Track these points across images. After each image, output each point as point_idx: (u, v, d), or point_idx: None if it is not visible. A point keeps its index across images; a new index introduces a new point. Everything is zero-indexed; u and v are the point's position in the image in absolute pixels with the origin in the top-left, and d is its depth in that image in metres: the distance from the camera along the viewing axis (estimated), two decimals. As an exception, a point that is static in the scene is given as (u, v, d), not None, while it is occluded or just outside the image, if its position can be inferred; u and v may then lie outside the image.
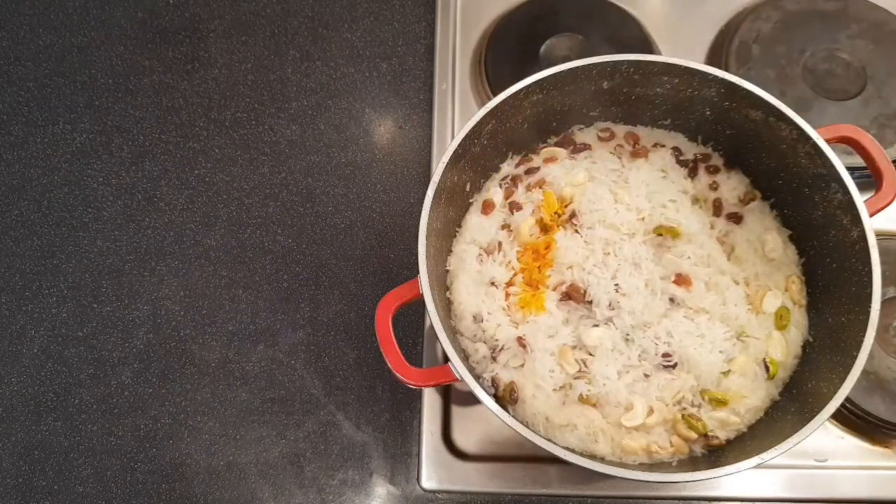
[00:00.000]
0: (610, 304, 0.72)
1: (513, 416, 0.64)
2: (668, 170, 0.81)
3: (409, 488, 0.84)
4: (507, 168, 0.84)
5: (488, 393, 0.69)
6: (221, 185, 1.01)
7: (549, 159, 0.82)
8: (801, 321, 0.74)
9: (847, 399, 0.62)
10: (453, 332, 0.75)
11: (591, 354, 0.71)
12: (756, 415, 0.71)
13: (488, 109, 0.73)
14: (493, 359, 0.73)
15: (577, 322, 0.73)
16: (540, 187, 0.80)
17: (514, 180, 0.82)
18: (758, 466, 0.60)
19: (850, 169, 0.69)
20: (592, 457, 0.68)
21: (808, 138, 0.71)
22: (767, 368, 0.71)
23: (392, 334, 0.69)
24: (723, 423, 0.70)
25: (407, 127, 1.05)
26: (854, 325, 0.65)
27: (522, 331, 0.73)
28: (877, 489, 0.80)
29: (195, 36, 1.11)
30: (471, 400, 0.86)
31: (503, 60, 1.03)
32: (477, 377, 0.68)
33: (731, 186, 0.81)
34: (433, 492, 0.83)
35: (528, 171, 0.82)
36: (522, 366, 0.72)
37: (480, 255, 0.78)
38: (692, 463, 0.69)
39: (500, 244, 0.78)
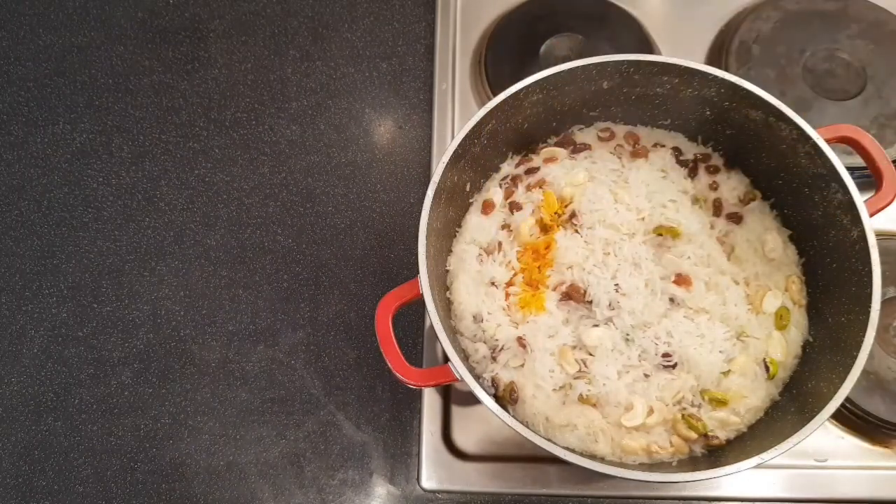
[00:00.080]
0: (610, 304, 0.72)
1: (513, 416, 0.64)
2: (668, 170, 0.81)
3: (409, 488, 0.84)
4: (507, 168, 0.84)
5: (488, 393, 0.69)
6: (221, 185, 1.01)
7: (549, 159, 0.82)
8: (801, 321, 0.74)
9: (847, 399, 0.62)
10: (453, 332, 0.75)
11: (591, 354, 0.71)
12: (756, 415, 0.71)
13: (488, 109, 0.73)
14: (493, 359, 0.73)
15: (577, 322, 0.73)
16: (540, 187, 0.80)
17: (514, 180, 0.82)
18: (758, 466, 0.60)
19: (850, 169, 0.69)
20: (592, 457, 0.68)
21: (808, 138, 0.71)
22: (767, 368, 0.71)
23: (392, 334, 0.69)
24: (723, 423, 0.70)
25: (407, 127, 1.05)
26: (854, 325, 0.65)
27: (522, 331, 0.73)
28: (877, 489, 0.80)
29: (195, 36, 1.11)
30: (471, 400, 0.86)
31: (503, 60, 1.03)
32: (477, 377, 0.68)
33: (731, 186, 0.81)
34: (433, 492, 0.83)
35: (528, 171, 0.82)
36: (522, 366, 0.72)
37: (480, 255, 0.78)
38: (692, 463, 0.69)
39: (500, 244, 0.78)
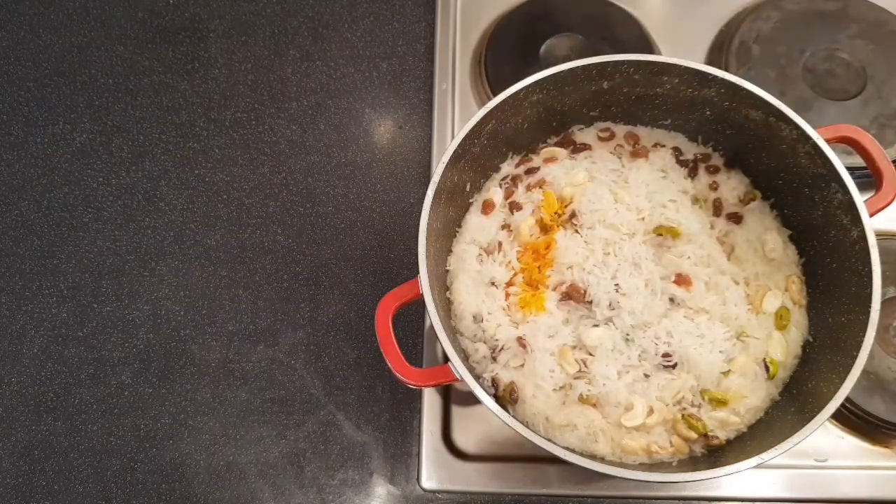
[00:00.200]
0: (610, 304, 0.72)
1: (513, 416, 0.64)
2: (668, 170, 0.81)
3: (409, 488, 0.84)
4: (507, 168, 0.84)
5: (488, 393, 0.69)
6: (221, 185, 1.01)
7: (549, 159, 0.82)
8: (801, 321, 0.74)
9: (847, 399, 0.62)
10: (453, 332, 0.75)
11: (591, 354, 0.71)
12: (756, 415, 0.71)
13: (488, 109, 0.73)
14: (493, 359, 0.73)
15: (577, 322, 0.73)
16: (540, 187, 0.80)
17: (514, 180, 0.82)
18: (758, 466, 0.60)
19: (850, 169, 0.69)
20: (592, 457, 0.68)
21: (808, 138, 0.71)
22: (767, 368, 0.71)
23: (392, 334, 0.69)
24: (723, 423, 0.70)
25: (407, 127, 1.05)
26: (854, 325, 0.65)
27: (522, 331, 0.73)
28: (877, 489, 0.80)
29: (195, 36, 1.11)
30: (471, 400, 0.86)
31: (503, 60, 1.03)
32: (477, 377, 0.68)
33: (731, 186, 0.81)
34: (433, 492, 0.83)
35: (528, 171, 0.82)
36: (522, 366, 0.72)
37: (480, 255, 0.78)
38: (692, 463, 0.69)
39: (500, 244, 0.78)
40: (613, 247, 0.75)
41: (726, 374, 0.71)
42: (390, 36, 1.10)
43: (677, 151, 0.82)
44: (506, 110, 0.75)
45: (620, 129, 0.85)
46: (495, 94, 0.75)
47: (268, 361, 0.91)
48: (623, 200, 0.77)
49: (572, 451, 0.63)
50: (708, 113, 0.79)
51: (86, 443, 0.88)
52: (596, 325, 0.72)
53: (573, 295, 0.73)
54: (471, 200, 0.83)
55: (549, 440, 0.65)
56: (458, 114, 1.02)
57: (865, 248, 0.66)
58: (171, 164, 1.03)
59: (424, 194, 0.70)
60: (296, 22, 1.12)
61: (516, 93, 0.74)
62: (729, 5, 1.08)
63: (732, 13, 1.07)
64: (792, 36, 1.01)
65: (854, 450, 0.82)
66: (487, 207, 0.80)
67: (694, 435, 0.69)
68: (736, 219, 0.79)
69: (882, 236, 0.83)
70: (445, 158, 0.72)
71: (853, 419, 0.83)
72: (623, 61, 0.75)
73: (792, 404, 0.69)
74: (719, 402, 0.70)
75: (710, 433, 0.69)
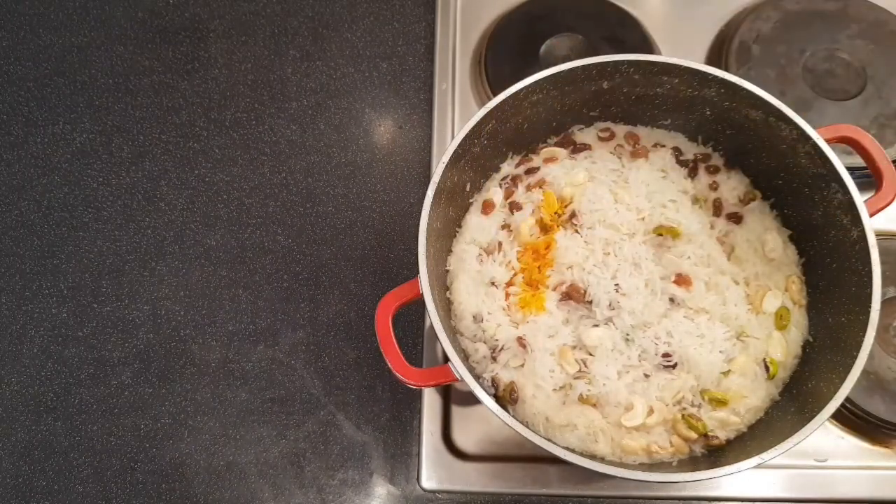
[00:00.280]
0: (610, 304, 0.72)
1: (513, 416, 0.64)
2: (668, 170, 0.81)
3: (409, 488, 0.84)
4: (507, 168, 0.84)
5: (488, 393, 0.69)
6: (221, 185, 1.01)
7: (549, 159, 0.82)
8: (801, 321, 0.74)
9: (847, 399, 0.62)
10: (453, 332, 0.75)
11: (591, 354, 0.71)
12: (756, 415, 0.71)
13: (488, 109, 0.73)
14: (493, 359, 0.73)
15: (577, 322, 0.73)
16: (540, 187, 0.80)
17: (514, 180, 0.82)
18: (758, 466, 0.60)
19: (850, 169, 0.69)
20: (592, 457, 0.68)
21: (808, 138, 0.71)
22: (767, 368, 0.71)
23: (392, 334, 0.69)
24: (723, 423, 0.70)
25: (407, 127, 1.05)
26: (854, 325, 0.65)
27: (522, 331, 0.73)
28: (877, 489, 0.80)
29: (195, 36, 1.11)
30: (471, 400, 0.86)
31: (503, 60, 1.03)
32: (477, 377, 0.68)
33: (731, 186, 0.81)
34: (433, 492, 0.83)
35: (528, 171, 0.82)
36: (522, 366, 0.72)
37: (480, 255, 0.78)
38: (692, 463, 0.69)
39: (500, 244, 0.78)
40: (613, 247, 0.75)
41: (726, 374, 0.71)
42: (390, 36, 1.10)
43: (677, 151, 0.82)
44: (506, 110, 0.75)
45: (620, 129, 0.85)
46: (495, 94, 0.75)
47: (268, 361, 0.91)
48: (623, 200, 0.77)
49: (572, 451, 0.63)
50: (708, 113, 0.79)
51: (86, 443, 0.88)
52: (596, 325, 0.72)
53: (573, 295, 0.73)
54: (471, 200, 0.83)
55: (549, 440, 0.65)
56: (458, 114, 1.02)
57: (865, 248, 0.66)
58: (171, 164, 1.03)
59: (424, 194, 0.70)
60: (296, 22, 1.12)
61: (516, 93, 0.74)
62: (729, 5, 1.08)
63: (732, 13, 1.07)
64: (792, 36, 1.01)
65: (854, 450, 0.82)
66: (487, 207, 0.80)
67: (694, 435, 0.69)
68: (736, 219, 0.79)
69: (882, 236, 0.83)
70: (445, 158, 0.72)
71: (853, 419, 0.83)
72: (623, 61, 0.75)
73: (792, 404, 0.69)
74: (719, 402, 0.70)
75: (710, 433, 0.69)
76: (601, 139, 0.84)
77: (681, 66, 0.74)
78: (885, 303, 0.83)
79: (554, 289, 0.75)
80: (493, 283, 0.76)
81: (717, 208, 0.79)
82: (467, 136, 0.73)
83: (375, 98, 1.07)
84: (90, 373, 0.91)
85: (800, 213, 0.76)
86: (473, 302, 0.75)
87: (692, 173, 0.81)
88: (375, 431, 0.87)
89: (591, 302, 0.73)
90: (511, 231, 0.79)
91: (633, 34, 1.04)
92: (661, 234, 0.75)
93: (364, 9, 1.12)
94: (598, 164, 0.81)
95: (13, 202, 1.01)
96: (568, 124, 0.84)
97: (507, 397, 0.71)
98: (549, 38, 1.03)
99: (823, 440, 0.83)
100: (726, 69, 0.95)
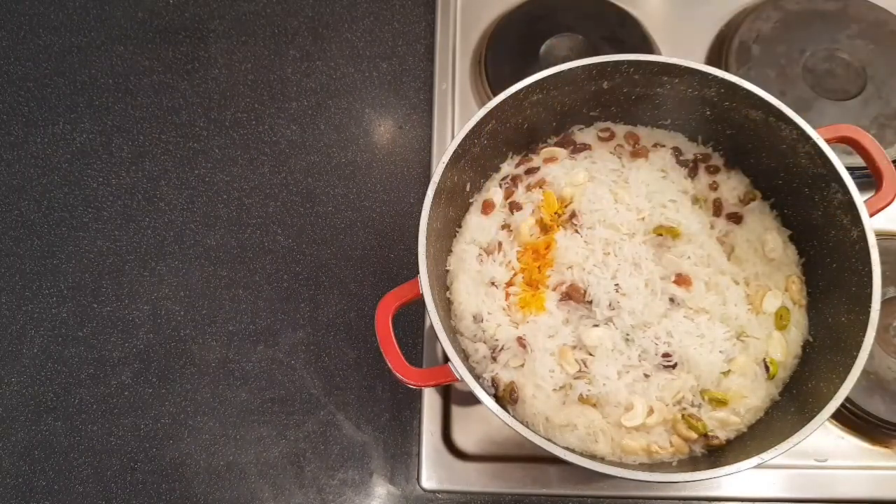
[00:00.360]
0: (610, 304, 0.72)
1: (513, 416, 0.64)
2: (668, 170, 0.81)
3: (409, 488, 0.84)
4: (507, 168, 0.84)
5: (488, 393, 0.69)
6: (221, 185, 1.01)
7: (549, 159, 0.82)
8: (801, 321, 0.74)
9: (847, 399, 0.62)
10: (453, 332, 0.75)
11: (591, 354, 0.71)
12: (756, 415, 0.71)
13: (488, 109, 0.73)
14: (493, 359, 0.73)
15: (577, 322, 0.73)
16: (540, 187, 0.80)
17: (514, 180, 0.82)
18: (758, 466, 0.60)
19: (850, 169, 0.69)
20: (592, 457, 0.68)
21: (808, 138, 0.71)
22: (767, 368, 0.71)
23: (392, 334, 0.69)
24: (723, 423, 0.70)
25: (407, 127, 1.05)
26: (854, 325, 0.65)
27: (522, 331, 0.73)
28: (877, 489, 0.80)
29: (195, 36, 1.11)
30: (471, 400, 0.86)
31: (503, 60, 1.03)
32: (477, 377, 0.68)
33: (731, 186, 0.81)
34: (433, 492, 0.83)
35: (528, 171, 0.82)
36: (522, 366, 0.72)
37: (480, 255, 0.78)
38: (692, 463, 0.69)
39: (500, 244, 0.78)
40: (613, 247, 0.75)
41: (726, 374, 0.71)
42: (390, 36, 1.10)
43: (677, 151, 0.82)
44: (506, 110, 0.75)
45: (620, 129, 0.85)
46: (495, 94, 0.75)
47: (268, 361, 0.91)
48: (623, 200, 0.77)
49: (572, 451, 0.63)
50: (708, 113, 0.79)
51: (86, 443, 0.88)
52: (596, 325, 0.72)
53: (573, 295, 0.73)
54: (471, 200, 0.83)
55: (549, 440, 0.65)
56: (458, 114, 1.02)
57: (865, 248, 0.66)
58: (171, 164, 1.03)
59: (424, 194, 0.70)
60: (296, 22, 1.12)
61: (516, 93, 0.74)
62: (729, 5, 1.08)
63: (732, 13, 1.07)
64: (792, 36, 1.01)
65: (854, 450, 0.82)
66: (487, 207, 0.80)
67: (694, 435, 0.69)
68: (736, 219, 0.79)
69: (882, 236, 0.83)
70: (445, 158, 0.72)
71: (853, 419, 0.83)
72: (623, 61, 0.75)
73: (792, 404, 0.69)
74: (719, 402, 0.70)
75: (710, 433, 0.69)
76: (601, 139, 0.84)
77: (681, 66, 0.74)
78: (885, 303, 0.83)
79: (554, 289, 0.75)
80: (493, 283, 0.76)
81: (717, 208, 0.79)
82: (467, 136, 0.73)
83: (375, 98, 1.07)
84: (90, 373, 0.91)
85: (800, 213, 0.76)
86: (473, 302, 0.75)
87: (692, 173, 0.81)
88: (375, 431, 0.87)
89: (591, 302, 0.73)
90: (511, 231, 0.79)
91: (633, 34, 1.04)
92: (661, 234, 0.75)
93: (364, 9, 1.12)
94: (598, 164, 0.81)
95: (13, 202, 1.01)
96: (568, 124, 0.84)
97: (507, 397, 0.71)
98: (549, 38, 1.03)
99: (823, 440, 0.83)
100: (726, 69, 0.95)
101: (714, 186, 0.81)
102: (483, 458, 0.84)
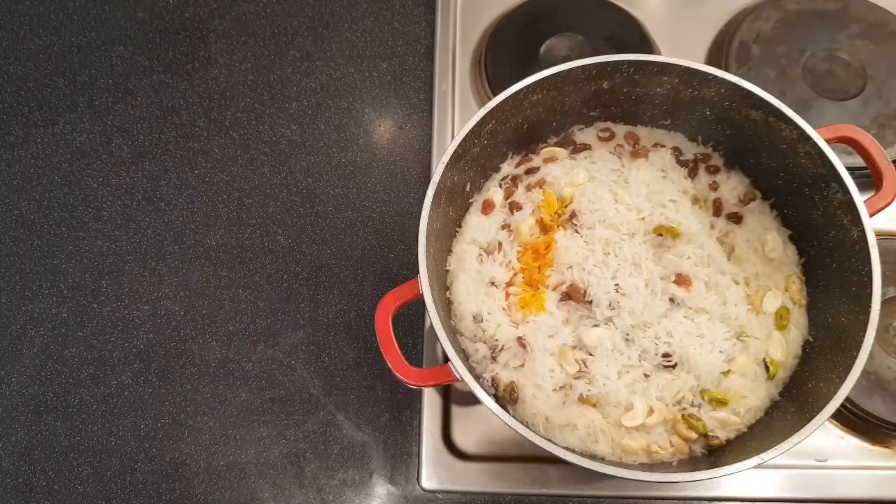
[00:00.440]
0: (610, 304, 0.72)
1: (513, 416, 0.64)
2: (668, 170, 0.81)
3: (409, 488, 0.84)
4: (507, 168, 0.84)
5: (488, 393, 0.69)
6: (221, 185, 1.01)
7: (549, 159, 0.82)
8: (801, 321, 0.74)
9: (847, 399, 0.62)
10: (453, 332, 0.75)
11: (591, 354, 0.71)
12: (756, 415, 0.71)
13: (488, 109, 0.73)
14: (493, 359, 0.73)
15: (577, 322, 0.73)
16: (540, 187, 0.80)
17: (514, 180, 0.82)
18: (758, 466, 0.60)
19: (850, 169, 0.69)
20: (592, 457, 0.68)
21: (808, 138, 0.71)
22: (767, 368, 0.71)
23: (392, 334, 0.69)
24: (723, 423, 0.70)
25: (407, 127, 1.05)
26: (854, 325, 0.65)
27: (522, 331, 0.73)
28: (877, 489, 0.80)
29: (195, 36, 1.11)
30: (471, 400, 0.86)
31: (503, 60, 1.03)
32: (477, 377, 0.68)
33: (731, 186, 0.81)
34: (433, 492, 0.83)
35: (528, 171, 0.82)
36: (522, 366, 0.72)
37: (480, 255, 0.78)
38: (692, 463, 0.69)
39: (500, 244, 0.78)
40: (613, 247, 0.75)
41: (726, 374, 0.71)
42: (390, 36, 1.10)
43: (677, 151, 0.82)
44: (506, 110, 0.75)
45: (620, 129, 0.85)
46: (495, 94, 0.75)
47: (268, 361, 0.91)
48: (623, 200, 0.77)
49: (572, 451, 0.63)
50: (708, 113, 0.79)
51: (86, 443, 0.88)
52: (596, 325, 0.72)
53: (573, 295, 0.73)
54: (471, 200, 0.83)
55: (549, 440, 0.65)
56: (458, 114, 1.02)
57: (865, 248, 0.66)
58: (171, 164, 1.03)
59: (424, 194, 0.70)
60: (296, 22, 1.12)
61: (516, 93, 0.74)
62: (729, 5, 1.08)
63: (732, 13, 1.07)
64: (792, 36, 1.01)
65: (854, 450, 0.82)
66: (487, 207, 0.80)
67: (694, 435, 0.69)
68: (736, 219, 0.79)
69: (882, 236, 0.83)
70: (445, 158, 0.72)
71: (853, 419, 0.82)
72: (623, 61, 0.75)
73: (792, 404, 0.69)
74: (719, 402, 0.70)
75: (710, 433, 0.69)
76: (601, 139, 0.84)
77: (681, 66, 0.74)
78: (885, 303, 0.83)
79: (554, 289, 0.75)
80: (493, 283, 0.76)
81: (717, 208, 0.79)
82: (467, 136, 0.73)
83: (375, 98, 1.07)
84: (90, 373, 0.91)
85: (800, 213, 0.76)
86: (473, 302, 0.75)
87: (692, 173, 0.81)
88: (375, 431, 0.87)
89: (591, 302, 0.73)
90: (511, 231, 0.79)
91: (633, 34, 1.04)
92: (661, 234, 0.75)
93: (364, 9, 1.12)
94: (598, 164, 0.81)
95: (13, 202, 1.01)
96: (568, 124, 0.84)
97: (507, 397, 0.71)
98: (549, 38, 1.03)
99: (823, 440, 0.83)
100: (726, 69, 0.95)
101: (714, 186, 0.81)
102: (483, 458, 0.84)
